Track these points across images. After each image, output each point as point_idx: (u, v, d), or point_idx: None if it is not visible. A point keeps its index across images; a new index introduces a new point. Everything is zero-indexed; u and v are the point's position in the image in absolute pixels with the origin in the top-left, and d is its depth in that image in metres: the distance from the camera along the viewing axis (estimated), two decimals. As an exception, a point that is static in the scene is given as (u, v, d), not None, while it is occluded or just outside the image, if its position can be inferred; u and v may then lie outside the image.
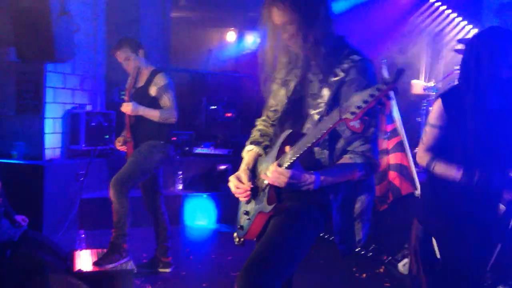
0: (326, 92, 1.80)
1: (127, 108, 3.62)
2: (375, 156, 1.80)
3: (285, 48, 1.93)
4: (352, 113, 1.48)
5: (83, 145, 5.06)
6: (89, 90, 5.50)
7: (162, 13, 6.99)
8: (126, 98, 3.72)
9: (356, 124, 1.49)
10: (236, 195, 1.96)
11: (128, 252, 3.55)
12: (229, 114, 7.19)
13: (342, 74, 1.78)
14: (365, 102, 1.45)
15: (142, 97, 3.69)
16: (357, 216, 1.87)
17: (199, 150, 6.22)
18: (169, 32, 7.21)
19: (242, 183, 1.92)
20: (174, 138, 6.52)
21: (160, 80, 3.69)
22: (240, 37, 8.52)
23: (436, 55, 6.28)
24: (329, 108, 1.75)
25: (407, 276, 3.71)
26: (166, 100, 3.69)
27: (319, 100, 1.80)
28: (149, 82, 3.71)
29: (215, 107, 7.28)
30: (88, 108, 5.41)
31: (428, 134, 2.34)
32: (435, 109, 2.31)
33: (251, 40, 8.21)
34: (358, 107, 1.46)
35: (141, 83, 3.75)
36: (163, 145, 3.71)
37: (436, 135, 2.30)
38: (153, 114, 3.64)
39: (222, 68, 7.72)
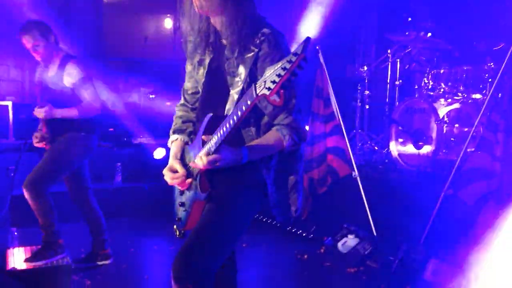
0: (242, 70, 1.79)
1: (40, 114, 3.32)
2: (301, 125, 1.82)
3: (199, 25, 1.90)
4: (268, 88, 1.47)
5: (12, 139, 4.81)
6: (14, 81, 5.21)
7: (93, -1, 6.72)
8: (37, 94, 3.38)
9: (276, 98, 1.48)
10: (176, 185, 1.94)
11: (64, 248, 3.42)
12: (168, 103, 7.06)
13: (255, 50, 1.78)
14: (279, 76, 1.45)
15: (57, 88, 3.37)
16: (292, 187, 1.89)
17: (138, 140, 6.08)
18: (101, 18, 6.95)
19: (177, 172, 1.89)
20: (112, 129, 6.35)
21: (73, 71, 3.35)
22: (177, 23, 8.36)
23: (368, 39, 6.46)
24: (247, 86, 1.75)
25: (346, 254, 3.84)
26: (85, 94, 3.37)
27: (237, 79, 1.80)
28: (61, 70, 3.36)
29: (154, 96, 7.13)
30: (13, 99, 5.11)
31: None
32: None
33: (188, 26, 8.04)
34: (273, 82, 1.46)
35: (52, 72, 3.40)
36: (84, 137, 3.43)
37: None
38: (71, 114, 3.34)
39: (160, 55, 7.55)
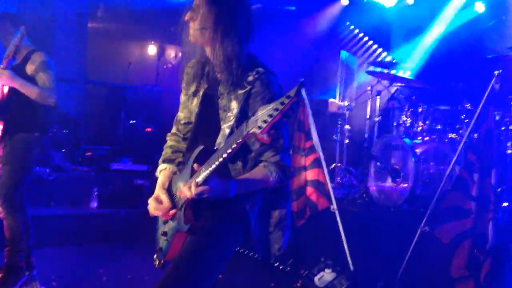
0: (234, 105, 1.83)
1: (2, 75, 3.24)
2: (288, 163, 1.85)
3: (196, 56, 1.96)
4: (259, 127, 1.52)
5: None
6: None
7: (78, 23, 6.73)
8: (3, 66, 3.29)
9: (264, 136, 1.52)
10: (159, 216, 1.93)
11: (25, 272, 3.30)
12: (148, 129, 7.04)
13: (248, 87, 1.82)
14: (270, 116, 1.50)
15: (18, 75, 3.35)
16: (277, 224, 1.91)
17: (116, 166, 6.01)
18: (86, 43, 6.96)
19: (161, 204, 1.88)
20: (89, 154, 6.26)
21: (37, 57, 3.40)
22: (161, 50, 8.42)
23: (350, 75, 6.60)
24: (238, 121, 1.78)
25: (322, 289, 3.81)
26: (45, 79, 3.38)
27: (229, 114, 1.83)
28: (26, 60, 3.41)
29: (134, 121, 7.11)
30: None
31: None
32: None
33: (172, 53, 8.13)
34: (264, 121, 1.51)
35: (18, 61, 3.43)
36: (38, 138, 3.42)
37: None
38: (31, 90, 3.31)
39: (142, 82, 7.56)
